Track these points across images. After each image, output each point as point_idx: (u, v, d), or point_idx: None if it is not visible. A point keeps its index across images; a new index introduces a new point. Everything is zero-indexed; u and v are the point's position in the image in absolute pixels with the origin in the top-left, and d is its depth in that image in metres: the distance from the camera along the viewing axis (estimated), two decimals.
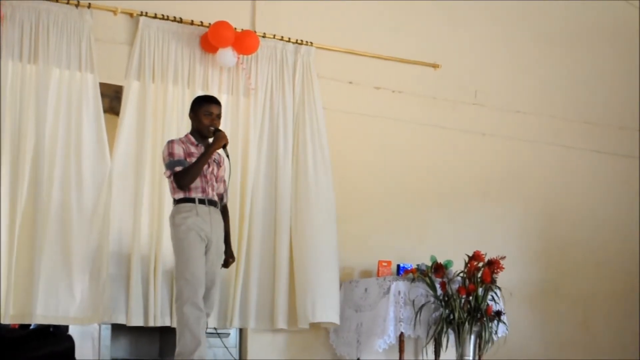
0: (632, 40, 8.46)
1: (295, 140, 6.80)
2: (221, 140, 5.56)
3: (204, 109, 5.62)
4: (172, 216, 5.53)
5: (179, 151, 5.50)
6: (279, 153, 6.73)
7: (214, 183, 5.64)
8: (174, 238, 5.51)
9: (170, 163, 5.48)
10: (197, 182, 5.50)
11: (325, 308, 6.53)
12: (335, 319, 6.59)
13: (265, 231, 6.63)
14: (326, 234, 6.70)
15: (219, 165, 5.72)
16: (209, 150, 5.53)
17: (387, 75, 7.37)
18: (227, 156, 5.72)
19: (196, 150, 5.56)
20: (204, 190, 5.53)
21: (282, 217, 6.67)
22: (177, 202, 5.52)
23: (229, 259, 5.81)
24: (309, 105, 6.85)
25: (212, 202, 5.57)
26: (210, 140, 5.62)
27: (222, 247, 5.69)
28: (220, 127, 5.67)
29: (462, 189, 7.56)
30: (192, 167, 5.46)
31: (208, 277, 5.52)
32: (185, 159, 5.49)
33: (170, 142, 5.56)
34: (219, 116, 5.66)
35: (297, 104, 6.84)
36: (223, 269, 5.81)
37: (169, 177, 5.52)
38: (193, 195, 5.49)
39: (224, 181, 5.82)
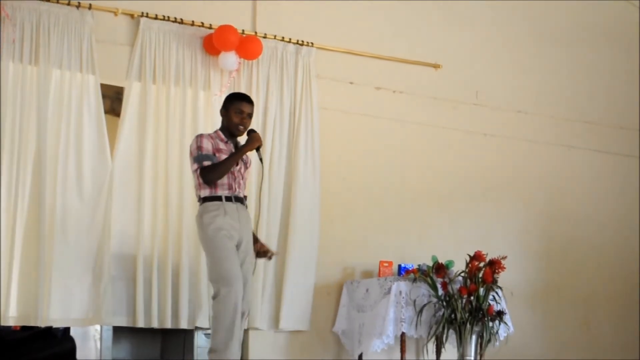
0: (632, 40, 8.46)
1: (290, 142, 6.81)
2: (255, 142, 5.47)
3: (235, 107, 5.49)
4: (200, 216, 5.38)
5: (207, 145, 5.37)
6: (274, 154, 6.72)
7: (241, 181, 5.50)
8: (203, 238, 5.37)
9: (199, 157, 5.36)
10: (224, 179, 5.36)
11: (292, 315, 6.62)
12: (302, 326, 6.69)
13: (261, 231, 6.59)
14: (307, 238, 6.73)
15: (246, 164, 5.58)
16: (241, 149, 5.43)
17: (387, 76, 7.37)
18: (261, 159, 5.63)
19: (225, 147, 5.44)
20: (230, 187, 5.39)
21: (274, 217, 6.68)
22: (203, 200, 5.39)
23: (267, 251, 5.74)
24: (305, 106, 6.85)
25: (239, 199, 5.43)
26: (239, 139, 5.54)
27: (252, 245, 5.53)
28: None
29: (463, 189, 7.56)
30: (222, 164, 5.34)
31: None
32: (214, 154, 5.37)
33: (200, 136, 5.44)
34: (250, 115, 5.53)
35: (297, 105, 6.84)
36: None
37: (195, 170, 5.39)
38: (219, 192, 5.36)
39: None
